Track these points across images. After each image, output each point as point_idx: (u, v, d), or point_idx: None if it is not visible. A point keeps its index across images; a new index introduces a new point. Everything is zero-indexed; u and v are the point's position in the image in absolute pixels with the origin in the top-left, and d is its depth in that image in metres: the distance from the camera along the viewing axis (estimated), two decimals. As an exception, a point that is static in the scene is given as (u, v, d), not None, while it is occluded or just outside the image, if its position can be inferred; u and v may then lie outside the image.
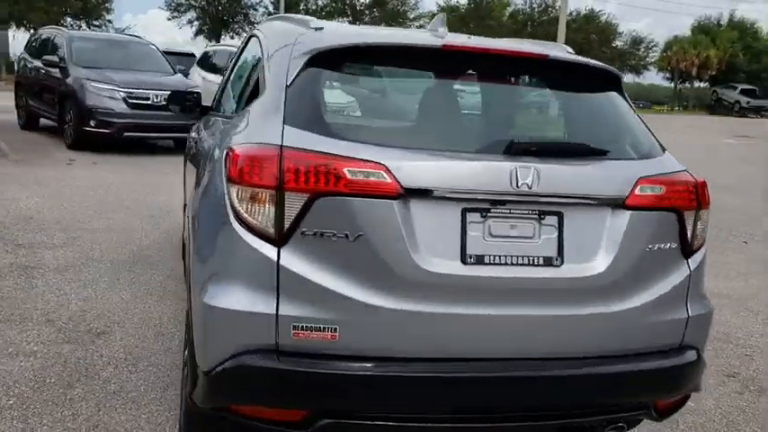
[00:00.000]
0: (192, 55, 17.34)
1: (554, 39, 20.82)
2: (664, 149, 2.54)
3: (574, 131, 2.44)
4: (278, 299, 2.08)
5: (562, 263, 2.21)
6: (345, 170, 2.05)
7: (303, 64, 2.32)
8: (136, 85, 10.54)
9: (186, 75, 12.95)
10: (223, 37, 42.82)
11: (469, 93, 2.46)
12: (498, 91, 2.48)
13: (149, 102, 10.38)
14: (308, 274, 2.07)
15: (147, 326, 3.93)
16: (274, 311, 2.07)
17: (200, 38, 46.05)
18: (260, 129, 2.25)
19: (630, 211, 2.26)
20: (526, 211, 2.18)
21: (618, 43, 56.89)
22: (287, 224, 2.06)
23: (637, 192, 2.27)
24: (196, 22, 46.77)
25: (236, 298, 2.11)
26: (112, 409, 2.98)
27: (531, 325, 2.19)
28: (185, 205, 5.11)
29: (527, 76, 2.51)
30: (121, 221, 6.34)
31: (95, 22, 43.22)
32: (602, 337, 2.29)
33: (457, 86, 2.50)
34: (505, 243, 2.16)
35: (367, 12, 39.54)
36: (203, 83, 12.13)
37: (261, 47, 2.87)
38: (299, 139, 2.12)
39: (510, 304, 2.17)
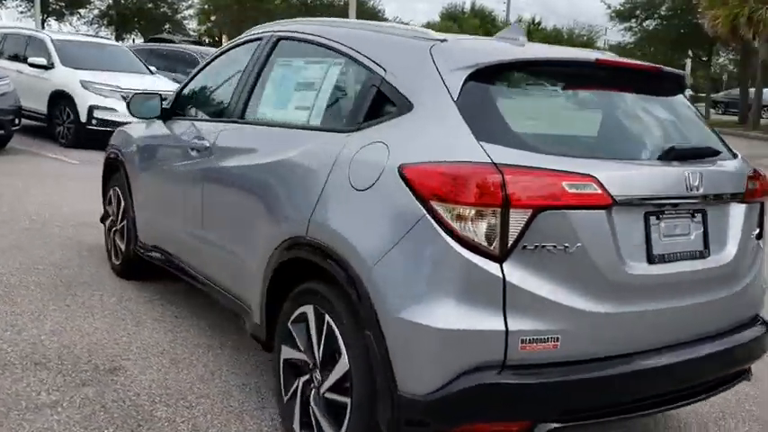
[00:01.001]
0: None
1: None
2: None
3: (684, 135, 2.72)
4: (505, 314, 2.11)
5: (709, 254, 2.50)
6: (564, 184, 2.13)
7: (465, 78, 2.34)
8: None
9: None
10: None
11: (619, 103, 2.64)
12: (636, 101, 2.69)
13: None
14: (530, 287, 2.13)
15: (155, 355, 3.58)
16: (503, 327, 2.11)
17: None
18: (448, 145, 2.23)
19: (744, 204, 2.61)
20: (685, 211, 2.43)
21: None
22: (510, 240, 2.10)
23: (749, 186, 2.63)
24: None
25: (459, 317, 2.11)
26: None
27: (695, 312, 2.46)
28: (108, 218, 4.67)
29: (648, 86, 2.74)
30: (25, 238, 5.54)
31: None
32: (727, 315, 2.63)
33: (609, 97, 2.66)
34: (672, 241, 2.40)
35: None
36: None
37: (351, 58, 2.78)
38: (508, 155, 2.15)
39: (683, 296, 2.41)
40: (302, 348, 2.67)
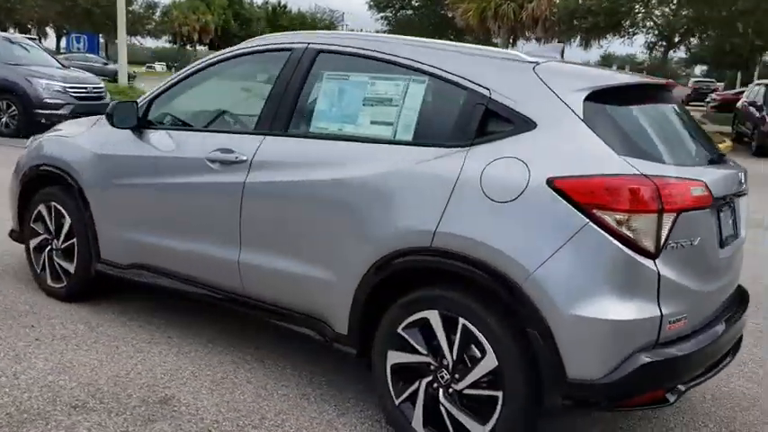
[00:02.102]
0: None
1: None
2: None
3: (700, 139, 3.30)
4: (659, 302, 2.54)
5: (737, 237, 3.14)
6: (692, 189, 2.60)
7: (584, 99, 2.69)
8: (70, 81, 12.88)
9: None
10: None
11: (672, 116, 3.13)
12: (676, 112, 3.20)
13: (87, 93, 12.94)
14: (673, 277, 2.57)
15: (189, 378, 3.42)
16: (659, 313, 2.54)
17: None
18: (594, 159, 2.56)
19: (745, 195, 3.30)
20: (729, 204, 3.03)
21: (134, 7, 55.80)
22: (662, 240, 2.52)
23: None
24: None
25: (626, 308, 2.49)
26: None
27: (729, 283, 3.09)
28: (36, 237, 4.29)
29: (671, 98, 3.26)
30: None
31: None
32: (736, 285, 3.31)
33: (668, 111, 3.12)
34: (725, 229, 2.99)
35: None
36: None
37: (435, 76, 2.97)
38: (648, 167, 2.56)
39: (727, 271, 3.03)
40: (423, 351, 2.84)
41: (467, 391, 2.75)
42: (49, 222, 4.32)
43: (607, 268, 2.50)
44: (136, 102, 3.86)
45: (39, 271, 4.44)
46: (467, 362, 2.75)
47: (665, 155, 2.73)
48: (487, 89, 2.84)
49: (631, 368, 2.49)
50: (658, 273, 2.52)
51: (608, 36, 23.11)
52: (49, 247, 4.36)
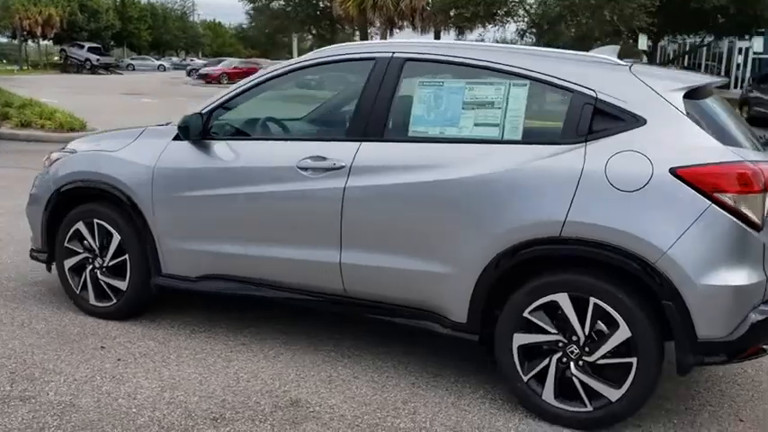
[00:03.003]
0: None
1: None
2: None
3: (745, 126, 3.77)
4: (764, 268, 3.00)
5: None
6: None
7: (681, 98, 3.10)
8: None
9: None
10: None
11: (726, 108, 3.56)
12: (725, 104, 3.62)
13: None
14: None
15: (303, 378, 3.52)
16: (765, 277, 3.00)
17: None
18: (707, 150, 2.97)
19: None
20: None
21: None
22: (764, 214, 2.97)
23: None
24: None
25: (745, 275, 2.94)
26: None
27: None
28: (72, 256, 4.21)
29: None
30: None
31: None
32: None
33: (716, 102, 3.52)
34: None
35: None
36: None
37: (537, 80, 3.25)
38: (745, 153, 3.01)
39: None
40: (552, 331, 3.15)
41: (600, 362, 3.09)
42: (90, 240, 4.19)
43: (728, 242, 2.92)
44: (201, 114, 3.85)
45: (78, 291, 4.29)
46: (597, 336, 3.09)
47: (744, 142, 3.19)
48: (593, 90, 3.17)
49: (747, 326, 2.93)
50: (764, 243, 2.98)
51: (485, 24, 24.27)
52: (91, 266, 4.23)
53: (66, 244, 4.28)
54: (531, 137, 3.27)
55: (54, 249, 4.35)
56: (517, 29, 26.86)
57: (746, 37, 28.93)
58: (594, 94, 3.16)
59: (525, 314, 3.19)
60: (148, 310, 4.29)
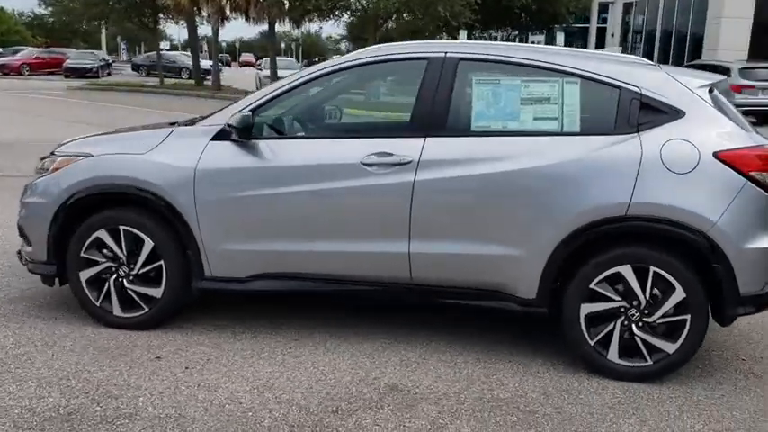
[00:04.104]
0: None
1: None
2: None
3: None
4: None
5: None
6: None
7: (707, 92, 3.69)
8: None
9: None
10: None
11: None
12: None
13: None
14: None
15: (382, 366, 3.66)
16: (788, 241, 3.67)
17: None
18: (738, 137, 3.56)
19: None
20: None
21: None
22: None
23: None
24: None
25: (774, 238, 3.58)
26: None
27: None
28: (90, 266, 4.07)
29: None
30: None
31: None
32: None
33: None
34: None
35: None
36: None
37: (588, 78, 3.67)
38: (759, 137, 3.65)
39: None
40: (616, 298, 3.60)
41: (660, 321, 3.60)
42: (116, 248, 3.98)
43: (762, 212, 3.54)
44: (249, 114, 3.82)
45: (98, 303, 4.06)
46: (653, 300, 3.59)
47: (748, 127, 3.84)
48: (638, 87, 3.65)
49: None
50: (780, 212, 3.65)
51: (323, 18, 24.56)
52: (115, 276, 4.02)
53: (82, 254, 4.02)
54: (587, 129, 3.68)
55: (64, 261, 4.07)
56: (347, 23, 27.51)
57: (540, 32, 31.91)
58: (639, 91, 3.64)
59: (591, 286, 3.61)
60: (173, 318, 4.17)
